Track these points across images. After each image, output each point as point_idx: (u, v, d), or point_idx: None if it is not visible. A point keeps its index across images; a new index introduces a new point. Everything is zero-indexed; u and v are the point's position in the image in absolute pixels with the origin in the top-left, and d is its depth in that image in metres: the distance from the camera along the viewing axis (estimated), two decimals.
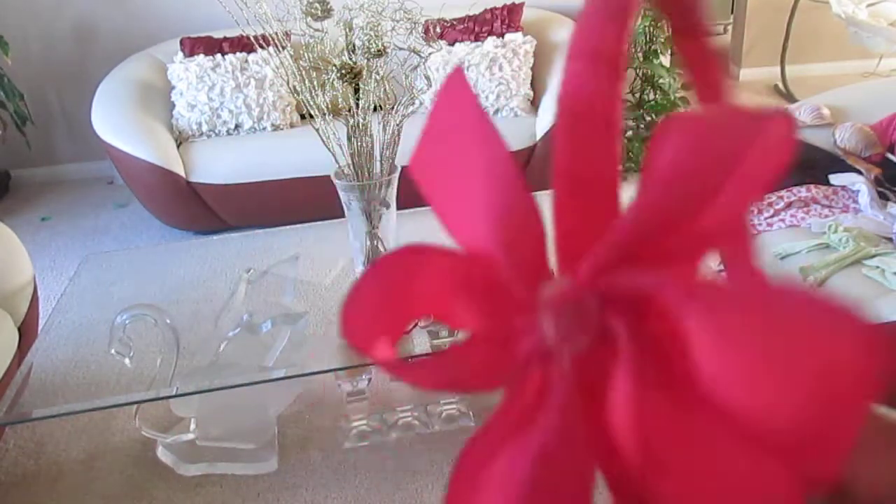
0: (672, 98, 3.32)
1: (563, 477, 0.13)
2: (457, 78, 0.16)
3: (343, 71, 1.35)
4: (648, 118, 3.38)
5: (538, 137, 2.80)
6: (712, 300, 0.12)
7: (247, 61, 2.88)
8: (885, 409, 0.14)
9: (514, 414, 0.13)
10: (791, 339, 0.12)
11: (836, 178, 1.96)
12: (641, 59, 3.28)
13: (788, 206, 1.89)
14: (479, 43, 2.91)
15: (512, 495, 0.13)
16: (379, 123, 1.46)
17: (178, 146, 2.78)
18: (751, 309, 0.12)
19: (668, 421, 0.12)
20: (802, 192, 1.91)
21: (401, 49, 1.38)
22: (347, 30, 1.37)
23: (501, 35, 2.93)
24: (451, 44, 2.94)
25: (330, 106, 1.42)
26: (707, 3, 0.16)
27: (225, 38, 2.96)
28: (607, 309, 0.12)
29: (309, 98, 1.40)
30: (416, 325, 1.46)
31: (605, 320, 0.12)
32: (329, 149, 1.45)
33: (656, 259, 0.12)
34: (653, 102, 3.35)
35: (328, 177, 1.51)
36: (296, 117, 2.94)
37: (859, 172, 1.96)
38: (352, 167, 1.47)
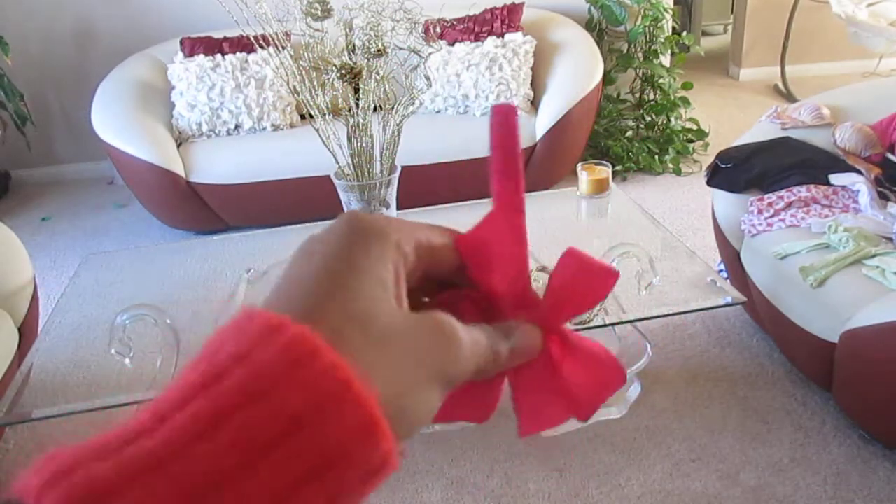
0: (672, 98, 3.31)
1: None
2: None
3: (343, 71, 1.35)
4: (648, 118, 3.38)
5: (538, 137, 2.80)
6: (564, 334, 0.32)
7: (247, 61, 2.88)
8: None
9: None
10: (586, 350, 0.33)
11: (836, 178, 1.95)
12: (641, 59, 3.28)
13: (788, 206, 1.89)
14: (479, 43, 2.91)
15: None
16: (379, 123, 1.46)
17: (178, 146, 2.78)
18: (571, 338, 0.32)
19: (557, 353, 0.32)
20: (802, 192, 1.91)
21: (401, 49, 1.38)
22: (347, 30, 1.37)
23: (501, 35, 2.93)
24: (451, 44, 2.94)
25: (330, 106, 1.42)
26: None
27: (225, 38, 2.96)
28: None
29: (309, 98, 1.40)
30: None
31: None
32: (329, 149, 1.45)
33: (555, 315, 0.32)
34: (653, 102, 3.35)
35: (328, 177, 1.51)
36: (296, 117, 2.94)
37: (859, 172, 1.96)
38: (352, 167, 1.47)
